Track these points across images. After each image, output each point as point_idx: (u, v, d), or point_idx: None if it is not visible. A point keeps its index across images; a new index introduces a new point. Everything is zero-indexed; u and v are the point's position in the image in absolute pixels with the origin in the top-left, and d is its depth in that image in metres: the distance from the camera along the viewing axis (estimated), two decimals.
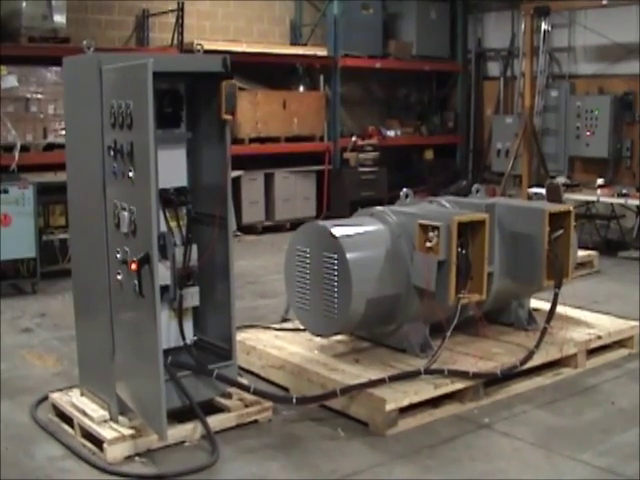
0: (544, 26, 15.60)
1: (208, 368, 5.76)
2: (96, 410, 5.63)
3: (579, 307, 8.00)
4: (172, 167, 5.78)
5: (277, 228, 14.61)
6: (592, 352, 7.24)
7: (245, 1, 15.53)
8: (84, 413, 5.63)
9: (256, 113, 14.31)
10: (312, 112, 15.20)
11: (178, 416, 5.59)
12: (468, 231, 6.36)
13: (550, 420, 6.08)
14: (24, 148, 11.27)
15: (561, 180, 12.96)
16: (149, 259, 4.97)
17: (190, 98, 5.88)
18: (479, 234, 6.37)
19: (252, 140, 14.32)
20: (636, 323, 7.68)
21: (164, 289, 5.55)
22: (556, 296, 6.88)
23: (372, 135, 16.15)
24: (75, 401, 5.85)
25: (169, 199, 5.73)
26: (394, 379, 6.01)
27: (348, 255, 6.22)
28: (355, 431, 5.82)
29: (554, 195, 11.40)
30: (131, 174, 5.04)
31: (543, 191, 11.98)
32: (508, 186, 14.79)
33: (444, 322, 6.34)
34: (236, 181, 13.50)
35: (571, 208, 7.09)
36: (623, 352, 7.49)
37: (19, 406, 6.25)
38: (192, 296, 5.88)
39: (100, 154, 5.30)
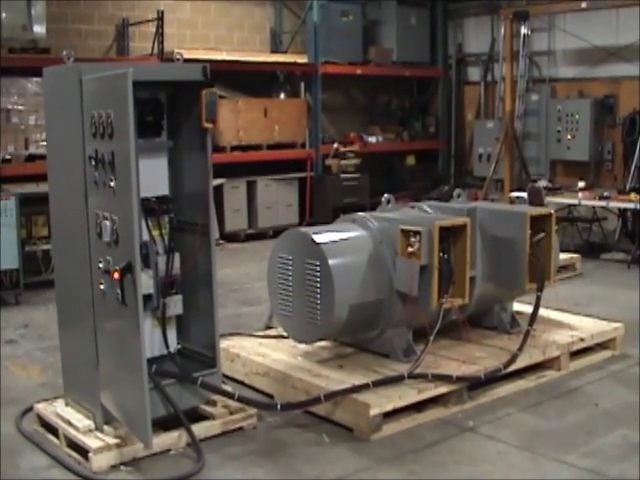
0: (524, 30, 15.72)
1: (192, 376, 5.76)
2: (81, 420, 5.62)
3: (562, 310, 8.02)
4: (154, 176, 5.79)
5: (260, 236, 14.60)
6: (575, 354, 7.27)
7: (225, 9, 15.56)
8: (69, 423, 5.63)
9: (237, 121, 14.33)
10: (293, 119, 15.22)
11: (163, 424, 5.59)
12: (450, 236, 6.38)
13: (534, 422, 6.10)
14: (6, 159, 11.26)
15: (543, 184, 13.03)
16: (132, 268, 4.98)
17: (171, 107, 5.89)
18: (461, 238, 6.39)
19: (234, 148, 14.34)
20: (619, 325, 7.70)
21: (147, 298, 5.54)
22: (538, 299, 6.91)
23: (354, 141, 16.21)
24: (60, 411, 5.84)
25: (151, 208, 5.75)
26: (378, 384, 6.02)
27: (330, 262, 6.23)
28: (340, 436, 5.83)
29: (536, 199, 11.40)
30: (112, 184, 5.05)
31: (525, 195, 12.01)
32: (490, 190, 14.85)
33: (427, 327, 6.35)
34: (218, 189, 13.51)
35: (552, 211, 7.11)
36: (606, 354, 7.53)
37: (4, 417, 6.23)
38: (175, 304, 5.89)
39: (81, 164, 5.31)
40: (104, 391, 5.48)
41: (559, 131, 15.24)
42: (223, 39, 15.55)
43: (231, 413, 5.91)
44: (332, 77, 15.92)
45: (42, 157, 10.63)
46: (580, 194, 12.39)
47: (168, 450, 5.53)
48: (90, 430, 5.52)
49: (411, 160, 17.63)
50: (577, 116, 14.97)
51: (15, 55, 11.51)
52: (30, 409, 6.19)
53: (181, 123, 5.90)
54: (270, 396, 6.54)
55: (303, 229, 6.80)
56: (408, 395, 6.03)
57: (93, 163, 5.20)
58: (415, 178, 17.26)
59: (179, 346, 6.10)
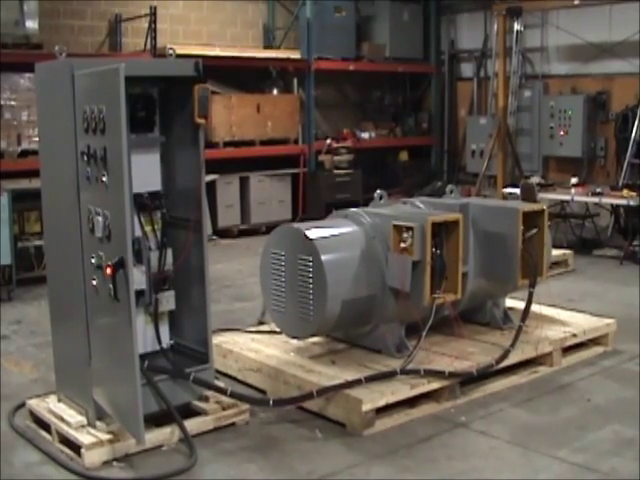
0: (516, 26, 15.72)
1: (185, 372, 5.76)
2: (73, 416, 5.62)
3: (554, 306, 8.03)
4: (146, 171, 5.78)
5: (253, 231, 14.59)
6: (567, 350, 7.28)
7: (218, 5, 15.54)
8: (61, 419, 5.62)
9: (230, 117, 14.32)
10: (286, 115, 15.21)
11: (155, 420, 5.59)
12: (442, 231, 6.38)
13: (526, 418, 6.12)
14: None
15: (535, 180, 12.99)
16: (124, 264, 4.96)
17: (163, 102, 5.88)
18: (453, 234, 6.40)
19: (227, 144, 14.33)
20: (611, 321, 7.71)
21: (140, 293, 5.55)
22: (531, 295, 6.92)
23: (347, 137, 16.19)
24: (52, 407, 5.83)
25: (143, 203, 5.74)
26: (370, 380, 6.03)
27: (323, 257, 6.23)
28: (332, 432, 5.83)
29: (529, 195, 11.38)
30: (105, 179, 5.04)
31: (518, 191, 12.01)
32: (483, 186, 14.87)
33: (420, 322, 6.36)
34: (211, 185, 13.50)
35: (544, 207, 7.12)
36: (598, 350, 7.54)
37: None
38: (168, 300, 5.89)
39: (73, 159, 5.30)
40: (96, 387, 5.47)
41: (552, 127, 15.26)
42: (216, 35, 15.53)
43: (224, 409, 5.91)
44: (325, 73, 15.92)
45: (35, 153, 10.55)
46: (573, 190, 12.38)
47: (160, 446, 5.53)
48: (82, 426, 5.52)
49: (404, 156, 17.62)
50: (570, 112, 14.99)
51: (7, 51, 11.49)
52: (22, 405, 6.18)
53: (173, 119, 5.89)
54: (263, 392, 6.54)
55: (296, 225, 6.80)
56: (400, 391, 6.03)
57: (85, 158, 5.19)
58: (408, 174, 17.26)
59: (172, 342, 6.10)
